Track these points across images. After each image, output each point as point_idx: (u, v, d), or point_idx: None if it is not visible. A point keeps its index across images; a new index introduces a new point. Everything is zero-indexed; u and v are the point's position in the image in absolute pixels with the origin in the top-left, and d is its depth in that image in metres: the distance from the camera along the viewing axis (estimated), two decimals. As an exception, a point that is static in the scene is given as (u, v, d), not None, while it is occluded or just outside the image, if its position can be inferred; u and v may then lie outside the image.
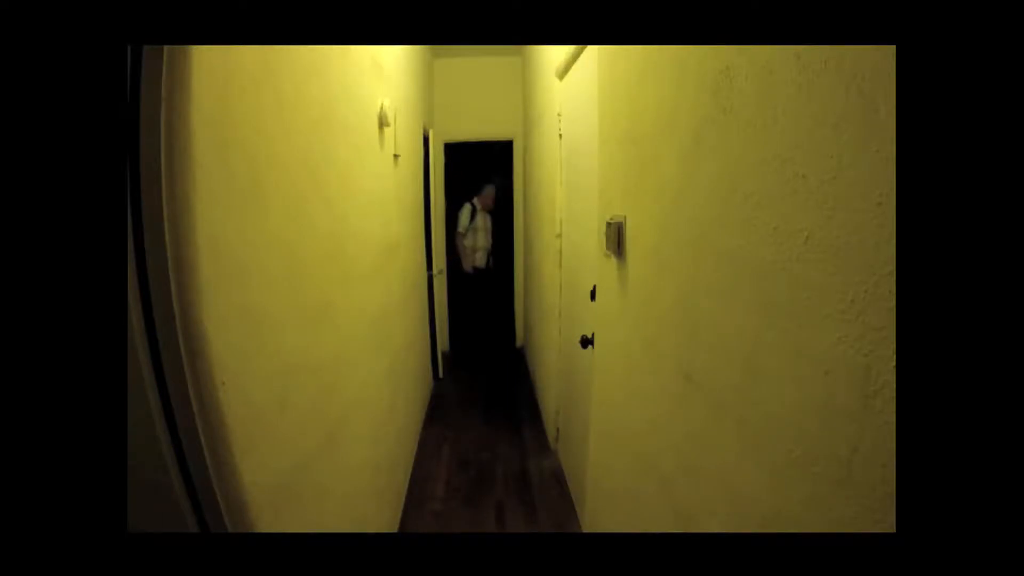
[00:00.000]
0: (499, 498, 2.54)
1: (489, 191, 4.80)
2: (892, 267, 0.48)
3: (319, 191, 1.33)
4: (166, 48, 0.69)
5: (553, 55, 2.60)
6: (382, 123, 2.14)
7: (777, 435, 0.68)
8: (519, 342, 4.84)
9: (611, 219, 1.41)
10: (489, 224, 4.95)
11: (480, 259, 4.92)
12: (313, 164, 1.28)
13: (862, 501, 0.53)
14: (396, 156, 2.52)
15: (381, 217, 2.19)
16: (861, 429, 0.53)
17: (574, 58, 2.14)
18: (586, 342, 1.84)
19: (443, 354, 4.32)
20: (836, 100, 0.55)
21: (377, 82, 2.11)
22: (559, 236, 2.63)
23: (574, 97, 2.19)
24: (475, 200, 4.78)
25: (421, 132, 3.58)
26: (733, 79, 0.77)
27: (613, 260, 1.44)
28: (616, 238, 1.37)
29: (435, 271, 3.96)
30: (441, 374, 4.12)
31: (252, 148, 0.94)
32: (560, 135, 2.53)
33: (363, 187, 1.84)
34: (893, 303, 0.48)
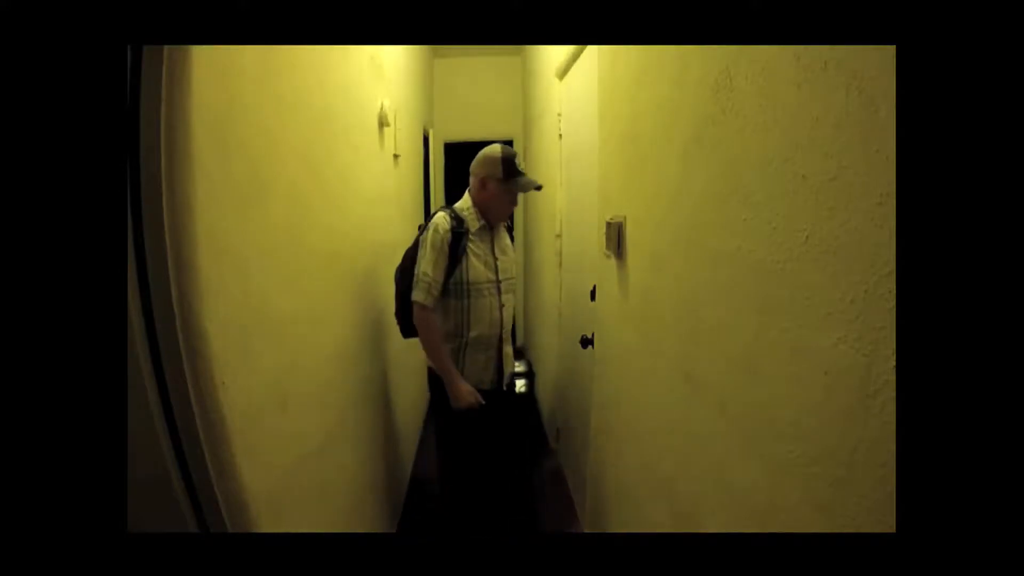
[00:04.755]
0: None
1: (487, 168, 1.70)
2: (892, 267, 0.48)
3: (319, 190, 1.33)
4: (166, 48, 0.69)
5: (553, 55, 2.60)
6: (382, 123, 2.14)
7: (777, 435, 0.68)
8: (519, 342, 4.84)
9: (611, 219, 1.41)
10: (506, 259, 1.81)
11: (489, 380, 1.81)
12: (313, 163, 1.28)
13: (862, 501, 0.53)
14: (396, 156, 2.52)
15: (381, 216, 2.19)
16: (861, 429, 0.53)
17: (574, 58, 2.14)
18: (586, 342, 1.84)
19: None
20: (836, 100, 0.55)
21: (377, 82, 2.11)
22: (559, 236, 2.62)
23: (574, 97, 2.19)
24: (465, 207, 1.75)
25: (421, 132, 3.58)
26: (733, 79, 0.77)
27: (613, 260, 1.44)
28: (616, 238, 1.37)
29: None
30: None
31: (252, 148, 0.94)
32: (560, 135, 2.53)
33: (363, 187, 1.84)
34: (893, 303, 0.48)
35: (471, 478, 1.85)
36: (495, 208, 1.75)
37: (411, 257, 1.76)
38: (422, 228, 1.76)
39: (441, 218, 1.68)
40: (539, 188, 1.86)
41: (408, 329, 1.82)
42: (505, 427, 1.98)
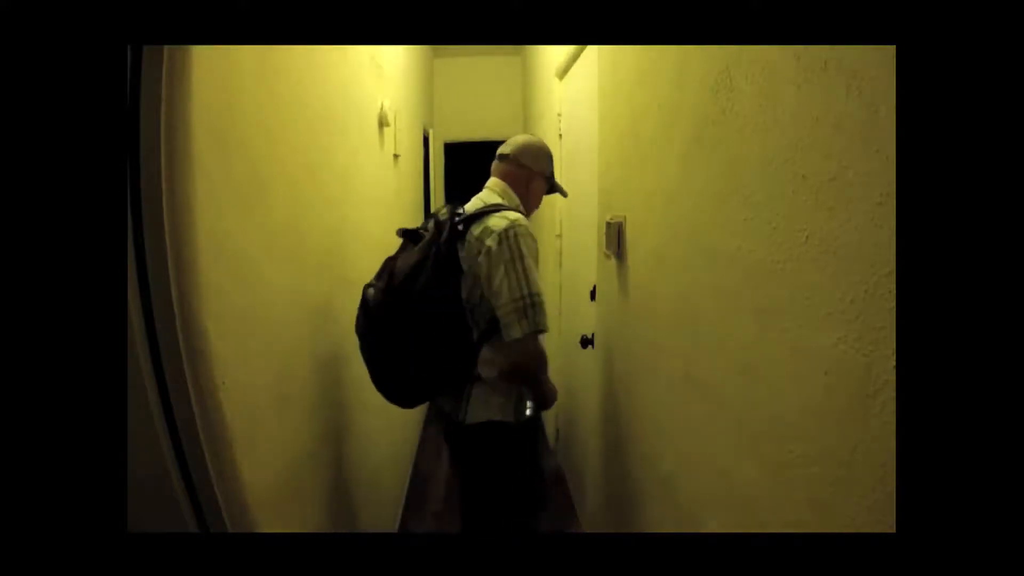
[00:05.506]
0: (499, 498, 2.52)
1: (541, 162, 1.42)
2: (892, 267, 0.48)
3: (319, 190, 1.33)
4: (166, 48, 0.69)
5: (553, 55, 2.60)
6: (382, 123, 2.14)
7: (777, 435, 0.68)
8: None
9: (611, 219, 1.41)
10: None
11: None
12: (313, 164, 1.28)
13: (862, 501, 0.53)
14: (396, 156, 2.52)
15: (381, 217, 2.19)
16: (861, 429, 0.53)
17: (574, 58, 2.14)
18: (586, 342, 1.84)
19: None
20: (836, 100, 0.55)
21: (377, 82, 2.11)
22: (559, 236, 2.63)
23: (574, 97, 2.19)
24: (515, 204, 1.40)
25: (421, 132, 3.58)
26: (733, 79, 0.77)
27: (613, 260, 1.44)
28: (616, 238, 1.37)
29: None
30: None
31: (252, 148, 0.94)
32: (560, 135, 2.53)
33: (363, 187, 1.84)
34: (893, 303, 0.48)
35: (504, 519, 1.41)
36: (531, 207, 1.47)
37: (413, 277, 1.22)
38: (407, 232, 1.34)
39: (524, 220, 1.30)
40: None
41: (423, 392, 1.38)
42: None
